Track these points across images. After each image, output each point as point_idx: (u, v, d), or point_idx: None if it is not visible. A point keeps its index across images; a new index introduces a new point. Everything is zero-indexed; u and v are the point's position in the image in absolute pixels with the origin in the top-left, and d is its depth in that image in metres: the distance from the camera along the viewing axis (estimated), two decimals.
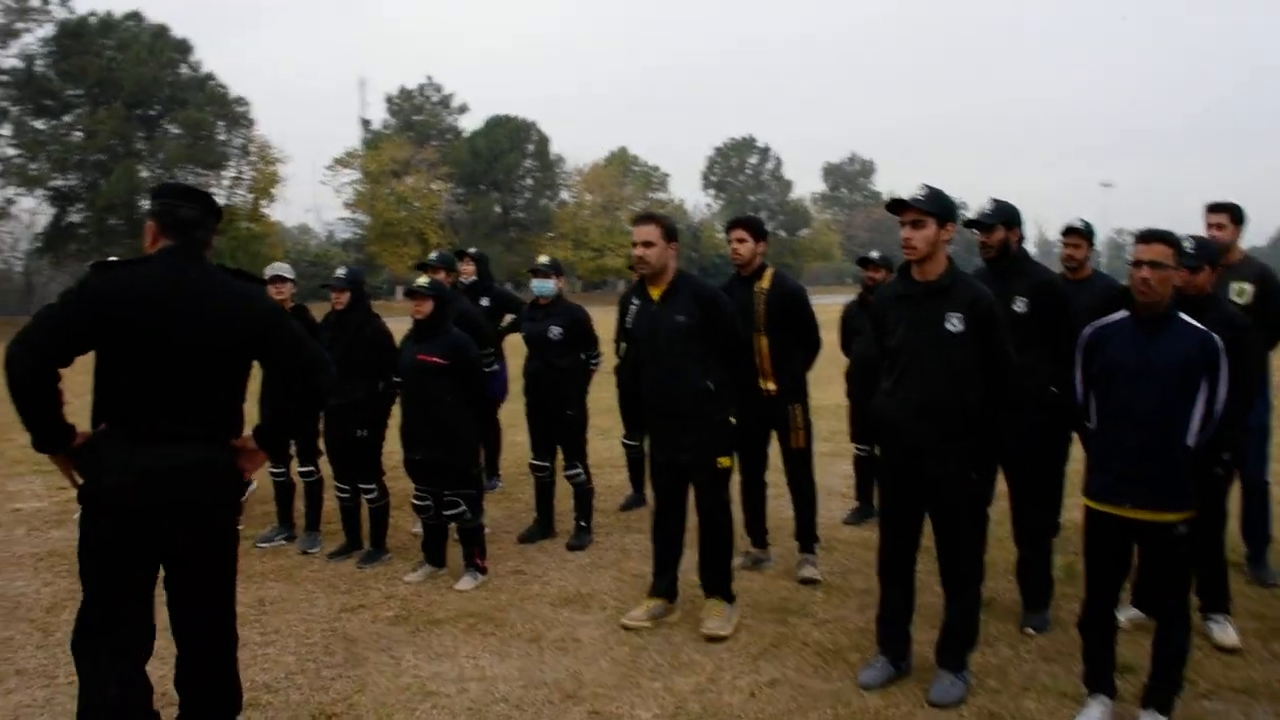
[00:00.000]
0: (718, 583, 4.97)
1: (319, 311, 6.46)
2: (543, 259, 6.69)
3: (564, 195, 73.88)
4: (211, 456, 3.21)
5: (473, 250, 8.09)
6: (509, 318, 7.77)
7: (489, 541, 6.36)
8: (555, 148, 72.49)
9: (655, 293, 4.92)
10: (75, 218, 49.40)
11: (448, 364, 5.62)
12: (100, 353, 3.13)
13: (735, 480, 5.37)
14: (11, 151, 47.53)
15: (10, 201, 49.14)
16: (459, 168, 64.60)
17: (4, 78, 46.98)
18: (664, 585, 5.04)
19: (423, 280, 5.80)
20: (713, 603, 4.93)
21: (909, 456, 4.08)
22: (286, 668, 4.51)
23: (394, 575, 5.87)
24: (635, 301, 5.04)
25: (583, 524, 6.52)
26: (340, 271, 6.27)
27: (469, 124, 71.78)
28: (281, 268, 6.57)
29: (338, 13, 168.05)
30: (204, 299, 3.19)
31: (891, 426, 4.14)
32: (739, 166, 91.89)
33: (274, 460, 6.34)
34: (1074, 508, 5.27)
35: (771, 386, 5.57)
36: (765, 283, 5.59)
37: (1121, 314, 3.82)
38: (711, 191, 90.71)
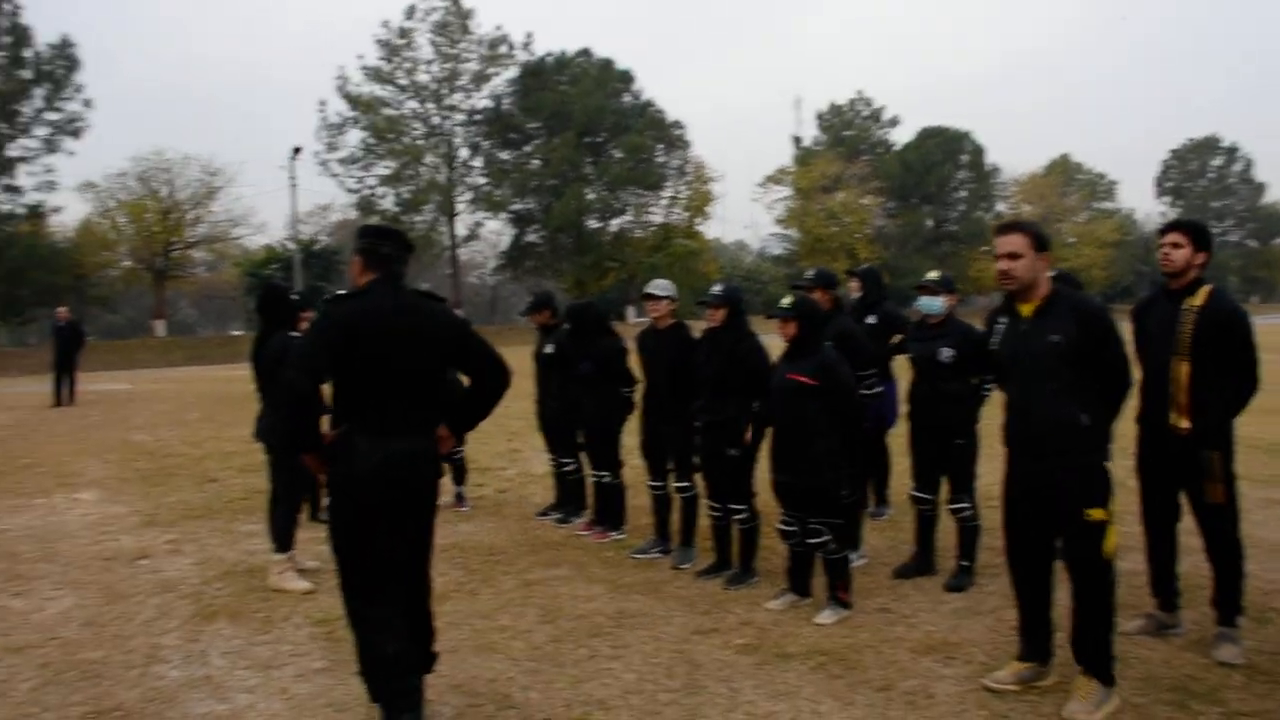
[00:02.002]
0: (1088, 656, 4.21)
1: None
2: (931, 275, 6.23)
3: (1000, 207, 70.81)
4: (427, 445, 3.98)
5: (860, 268, 7.79)
6: (898, 337, 7.38)
7: (862, 573, 6.06)
8: (991, 158, 69.76)
9: (1025, 310, 4.27)
10: (532, 237, 54.69)
11: (818, 384, 5.37)
12: (343, 365, 3.83)
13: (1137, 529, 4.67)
14: (481, 180, 53.62)
15: (479, 224, 55.67)
16: (889, 181, 63.85)
17: (477, 116, 53.02)
18: (1033, 647, 4.43)
19: (785, 301, 5.58)
20: (1081, 680, 4.20)
21: None
22: (625, 685, 4.48)
23: (755, 600, 5.71)
24: (1002, 320, 4.40)
25: (964, 564, 5.99)
26: (716, 288, 6.19)
27: (900, 137, 70.90)
28: (658, 285, 6.62)
29: (773, 37, 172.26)
30: (411, 319, 3.94)
31: None
32: (1199, 170, 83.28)
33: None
34: None
35: (1184, 424, 4.69)
36: (1198, 299, 4.70)
37: None
38: (1166, 199, 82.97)
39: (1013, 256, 4.22)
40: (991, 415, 6.54)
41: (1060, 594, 4.40)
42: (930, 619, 5.34)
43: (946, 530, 6.20)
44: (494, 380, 4.12)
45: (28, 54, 40.83)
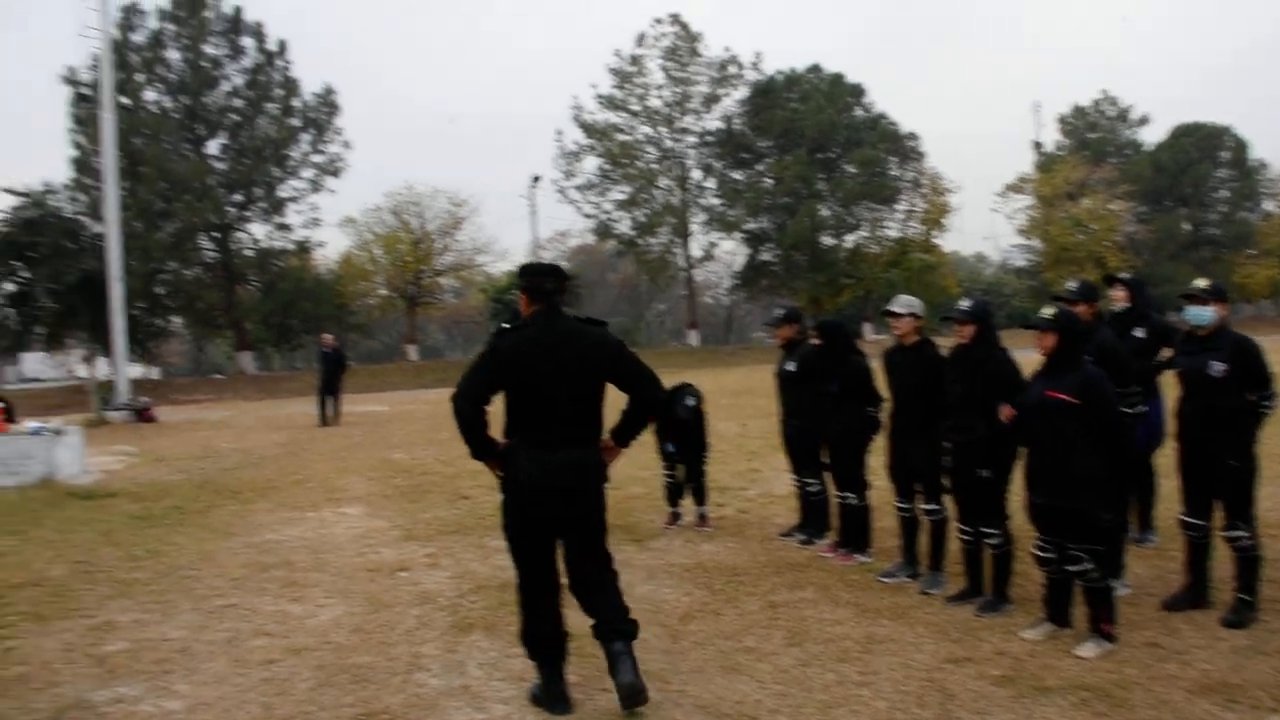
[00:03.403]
0: None
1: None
2: (1199, 282, 5.81)
3: (1268, 206, 65.37)
4: (587, 456, 4.54)
5: (1125, 275, 7.33)
6: (1168, 352, 6.92)
7: (1126, 604, 5.70)
8: (1256, 153, 64.48)
9: None
10: (766, 256, 54.55)
11: (1078, 403, 5.11)
12: (507, 390, 4.48)
13: None
14: (715, 201, 54.12)
15: (714, 245, 56.10)
16: (1140, 184, 60.03)
17: (709, 138, 53.57)
18: None
19: (1047, 311, 5.34)
20: None
21: None
22: (875, 713, 4.39)
23: (1010, 628, 5.47)
24: None
25: (1244, 598, 5.51)
26: (964, 303, 6.00)
27: (1151, 136, 66.65)
28: (899, 302, 6.47)
29: (1007, 41, 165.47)
30: (571, 344, 4.50)
31: None
32: None
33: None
34: None
35: None
36: None
37: None
38: None
39: None
40: (1273, 435, 6.04)
41: None
42: (1206, 656, 4.95)
43: (1221, 560, 5.75)
44: (649, 395, 4.67)
45: (296, 103, 44.34)
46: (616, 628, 4.56)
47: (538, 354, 4.44)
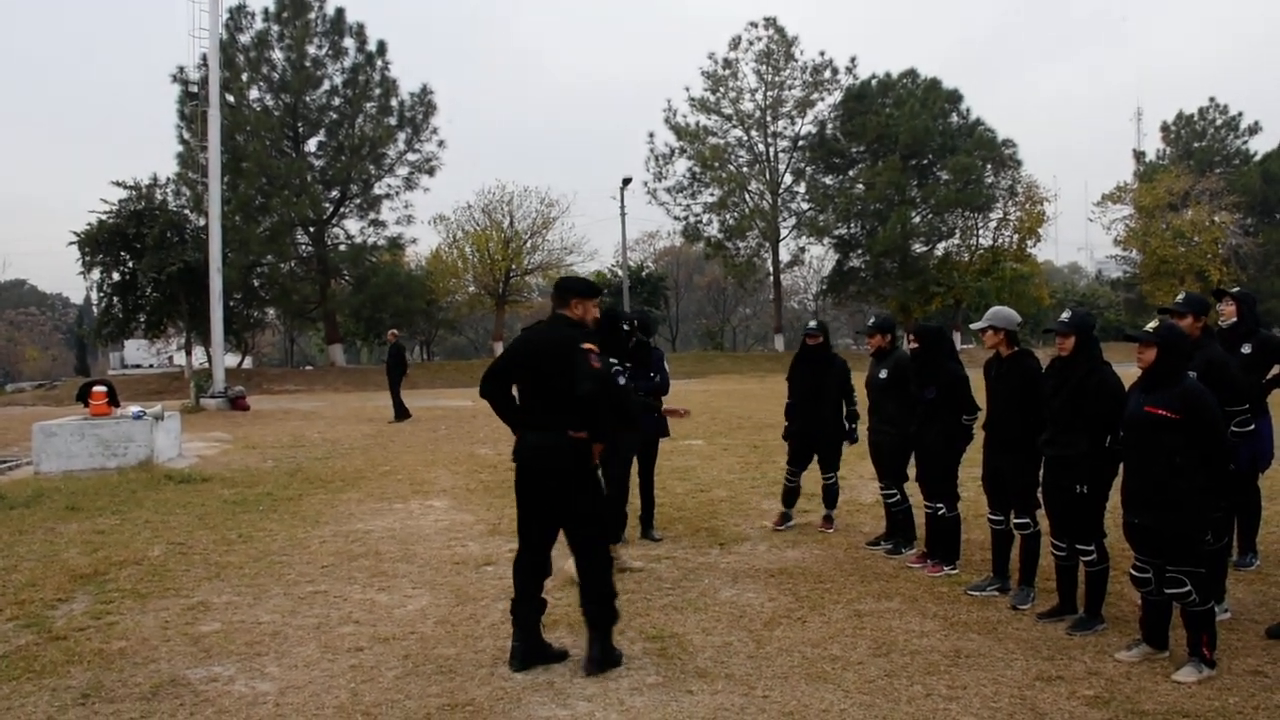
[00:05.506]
0: None
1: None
2: None
3: None
4: (552, 438, 5.21)
5: (1235, 289, 7.11)
6: (1276, 368, 6.69)
7: (1227, 629, 5.52)
8: None
9: None
10: (855, 262, 53.91)
11: (1178, 419, 4.94)
12: (517, 379, 5.37)
13: None
14: (805, 206, 53.74)
15: (803, 250, 55.75)
16: (1248, 196, 57.98)
17: (801, 142, 53.22)
18: None
19: (1150, 325, 5.19)
20: None
21: None
22: None
23: (1104, 649, 5.32)
24: None
25: None
26: (1065, 315, 5.85)
27: (1261, 145, 64.22)
28: (988, 315, 6.37)
29: (1111, 48, 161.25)
30: (547, 342, 5.32)
31: None
32: None
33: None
34: None
35: None
36: None
37: None
38: None
39: None
40: None
41: None
42: None
43: None
44: (580, 391, 5.12)
45: (393, 103, 45.06)
46: (587, 610, 5.28)
47: (525, 350, 5.37)
